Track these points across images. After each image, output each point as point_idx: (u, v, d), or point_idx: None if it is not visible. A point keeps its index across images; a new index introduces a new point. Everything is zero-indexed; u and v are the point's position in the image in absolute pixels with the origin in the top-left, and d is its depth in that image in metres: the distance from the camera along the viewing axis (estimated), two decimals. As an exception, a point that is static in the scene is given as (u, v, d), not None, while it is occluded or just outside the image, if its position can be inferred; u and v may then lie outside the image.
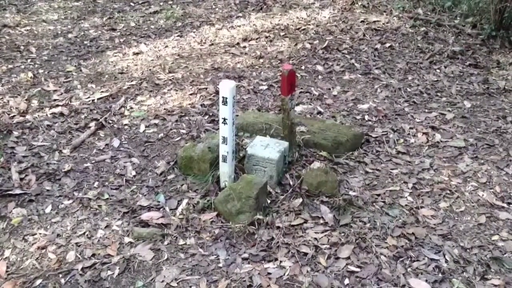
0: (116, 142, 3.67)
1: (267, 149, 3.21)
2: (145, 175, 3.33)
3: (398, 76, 4.78)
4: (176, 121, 3.95)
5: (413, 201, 3.15)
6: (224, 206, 2.93)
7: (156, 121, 3.94)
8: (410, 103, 4.33)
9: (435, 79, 4.74)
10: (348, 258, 2.69)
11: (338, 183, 3.20)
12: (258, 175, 3.17)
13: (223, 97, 2.87)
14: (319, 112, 4.14)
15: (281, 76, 3.10)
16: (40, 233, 2.83)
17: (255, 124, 3.66)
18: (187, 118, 3.97)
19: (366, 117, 4.08)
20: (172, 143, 3.66)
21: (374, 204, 3.11)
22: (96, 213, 2.99)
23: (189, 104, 4.18)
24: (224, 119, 2.93)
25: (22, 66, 4.74)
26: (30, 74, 4.58)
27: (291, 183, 3.21)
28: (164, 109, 4.11)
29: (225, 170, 3.10)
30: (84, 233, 2.84)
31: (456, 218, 3.02)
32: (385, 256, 2.71)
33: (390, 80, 4.70)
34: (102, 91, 4.35)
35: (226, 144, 3.00)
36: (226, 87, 2.84)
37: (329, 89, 4.55)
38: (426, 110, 4.22)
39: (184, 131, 3.80)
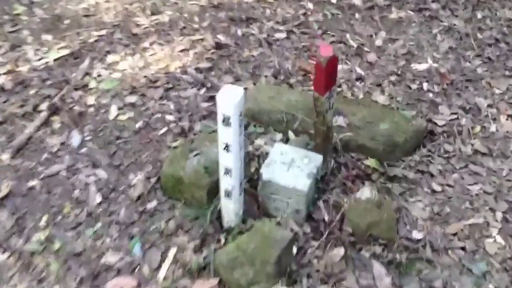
0: (75, 139, 2.60)
1: (291, 169, 2.15)
2: (114, 201, 2.31)
3: (464, 13, 3.51)
4: (161, 98, 2.84)
5: (505, 244, 2.15)
6: (230, 274, 1.95)
7: (133, 98, 2.83)
8: (483, 60, 3.14)
9: (514, 17, 3.47)
10: None
11: (397, 218, 2.19)
12: (278, 208, 2.16)
13: (224, 116, 1.76)
14: (359, 78, 2.99)
15: (315, 66, 1.95)
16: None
17: (271, 113, 2.55)
18: (176, 94, 2.85)
19: (425, 86, 2.93)
20: (155, 140, 2.59)
21: (449, 252, 2.12)
22: (41, 279, 2.03)
23: (179, 67, 3.03)
24: (227, 146, 1.84)
25: (-45, 6, 3.51)
26: (-36, 19, 3.37)
27: (327, 218, 2.19)
28: (145, 76, 2.97)
29: (230, 206, 2.08)
30: (21, 321, 1.91)
31: None
32: None
33: (452, 20, 3.45)
34: (60, 48, 3.17)
35: (231, 176, 1.94)
36: (229, 101, 1.72)
37: (371, 36, 3.33)
38: (507, 72, 3.04)
39: (171, 118, 2.70)
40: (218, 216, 2.19)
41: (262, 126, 2.56)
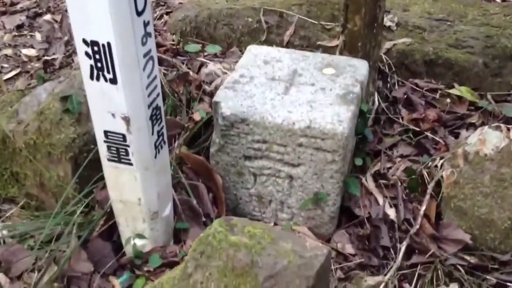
0: None
1: (295, 90, 0.80)
2: None
3: None
4: (20, 27, 1.48)
5: None
6: None
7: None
8: None
9: None
10: None
11: None
12: (265, 197, 0.79)
13: None
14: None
15: None
16: None
17: (234, 17, 1.22)
18: (48, 18, 1.51)
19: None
20: (-13, 89, 1.21)
21: None
22: None
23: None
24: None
25: None
26: None
27: (393, 215, 0.83)
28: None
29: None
30: None
31: None
32: None
33: None
34: None
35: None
36: None
37: None
38: None
39: (32, 53, 1.35)
40: (110, 229, 0.80)
41: (214, 44, 1.22)
